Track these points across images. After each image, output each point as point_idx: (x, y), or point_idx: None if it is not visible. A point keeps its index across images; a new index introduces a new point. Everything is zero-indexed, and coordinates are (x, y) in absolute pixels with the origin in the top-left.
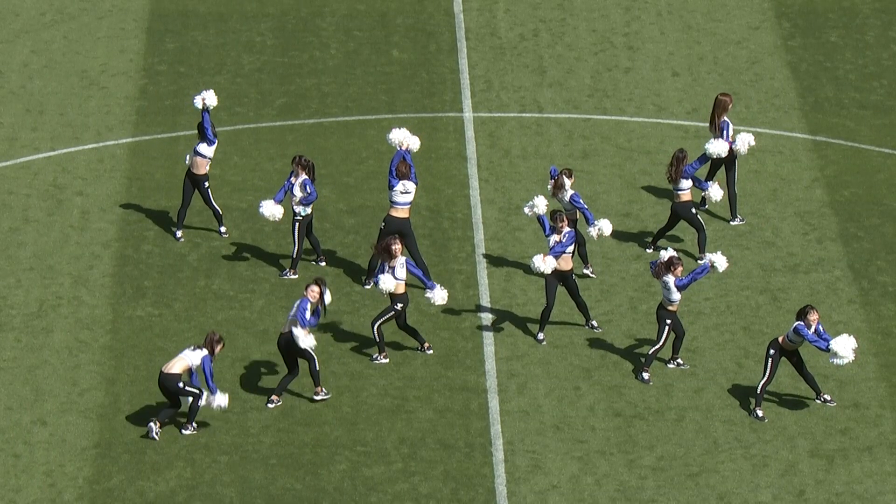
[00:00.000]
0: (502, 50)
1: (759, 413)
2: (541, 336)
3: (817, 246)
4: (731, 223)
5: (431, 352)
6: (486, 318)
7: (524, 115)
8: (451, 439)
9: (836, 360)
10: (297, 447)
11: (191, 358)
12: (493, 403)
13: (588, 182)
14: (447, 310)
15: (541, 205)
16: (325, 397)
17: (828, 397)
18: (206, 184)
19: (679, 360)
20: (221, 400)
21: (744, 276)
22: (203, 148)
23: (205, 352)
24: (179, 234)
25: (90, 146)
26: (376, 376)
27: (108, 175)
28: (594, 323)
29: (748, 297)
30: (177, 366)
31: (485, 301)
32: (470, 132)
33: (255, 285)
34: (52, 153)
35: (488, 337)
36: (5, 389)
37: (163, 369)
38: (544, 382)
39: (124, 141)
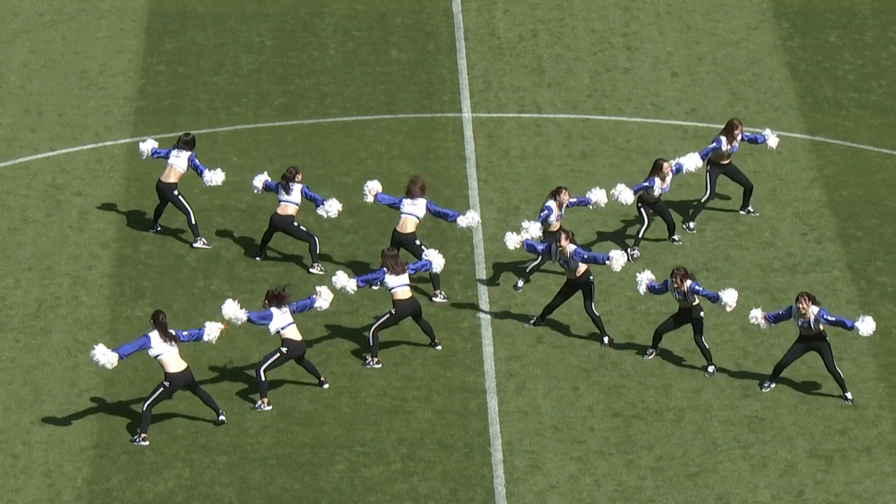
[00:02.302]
0: (501, 50)
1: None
2: (532, 323)
3: (816, 246)
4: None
5: (440, 347)
6: (485, 318)
7: (523, 115)
8: (449, 440)
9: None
10: (296, 447)
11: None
12: (492, 404)
13: (587, 182)
14: (446, 310)
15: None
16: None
17: (849, 395)
18: (177, 192)
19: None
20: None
21: (742, 277)
22: (181, 161)
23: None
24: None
25: (89, 146)
26: (375, 377)
27: (107, 175)
28: (606, 339)
29: (747, 298)
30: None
31: (483, 301)
32: (469, 132)
33: (254, 286)
34: (50, 153)
35: (487, 337)
36: (4, 390)
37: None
38: (543, 383)
39: (123, 141)
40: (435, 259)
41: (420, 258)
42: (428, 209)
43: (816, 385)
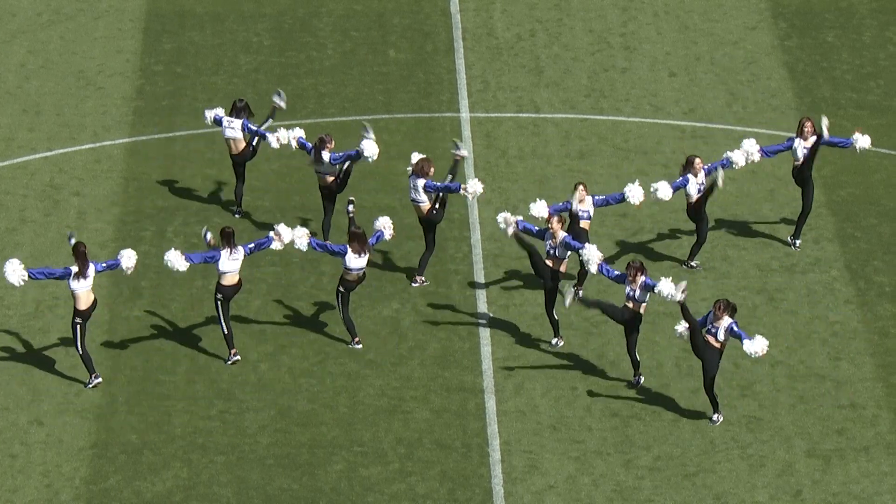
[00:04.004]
0: (499, 50)
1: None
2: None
3: (814, 246)
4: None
5: (360, 346)
6: (483, 318)
7: (521, 115)
8: (447, 439)
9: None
10: (294, 447)
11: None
12: (490, 404)
13: (585, 182)
14: (444, 310)
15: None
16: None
17: (716, 418)
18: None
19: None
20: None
21: (741, 277)
22: (236, 131)
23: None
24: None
25: (87, 146)
26: (373, 377)
27: (105, 175)
28: (556, 341)
29: (745, 298)
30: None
31: (482, 301)
32: (467, 132)
33: (252, 286)
34: (48, 153)
35: (485, 337)
36: (2, 390)
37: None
38: (541, 383)
39: (121, 141)
40: (386, 227)
41: (430, 245)
42: (426, 188)
43: (814, 385)
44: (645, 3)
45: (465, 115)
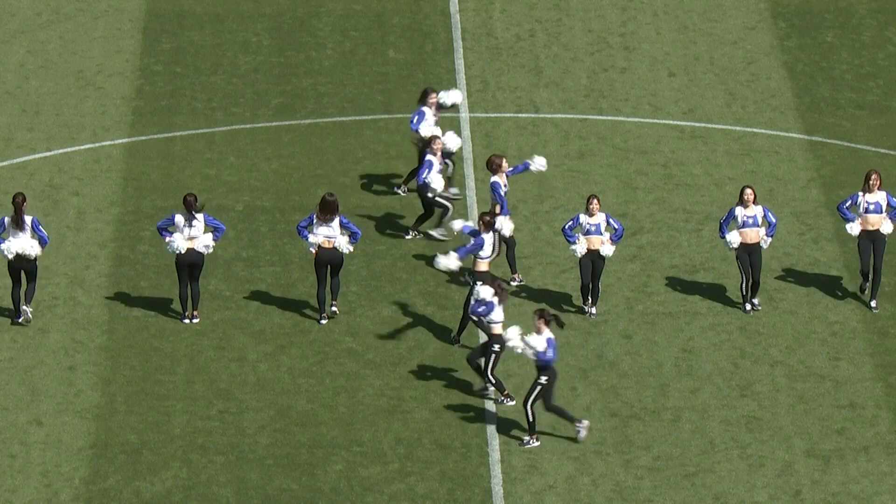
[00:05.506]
0: (498, 50)
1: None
2: (593, 311)
3: (813, 246)
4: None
5: (325, 322)
6: None
7: (520, 115)
8: (447, 439)
9: None
10: (294, 447)
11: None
12: (490, 403)
13: (584, 182)
14: (444, 310)
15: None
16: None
17: (581, 429)
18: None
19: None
20: None
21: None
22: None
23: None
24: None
25: (86, 146)
26: (372, 376)
27: (105, 175)
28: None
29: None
30: None
31: None
32: (466, 132)
33: (251, 286)
34: (48, 153)
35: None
36: (1, 390)
37: None
38: None
39: (120, 141)
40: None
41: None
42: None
43: (814, 385)
44: (644, 3)
45: (464, 115)
